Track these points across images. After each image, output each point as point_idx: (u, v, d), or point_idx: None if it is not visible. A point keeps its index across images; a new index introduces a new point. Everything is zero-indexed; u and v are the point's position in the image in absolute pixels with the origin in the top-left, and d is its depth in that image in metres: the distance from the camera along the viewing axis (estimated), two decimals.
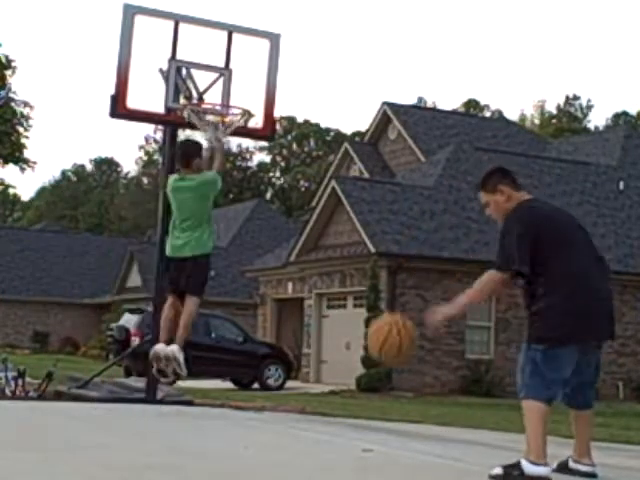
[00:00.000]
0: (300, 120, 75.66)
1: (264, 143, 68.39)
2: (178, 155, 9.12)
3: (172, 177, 9.04)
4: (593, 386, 5.80)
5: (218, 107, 9.70)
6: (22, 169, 30.95)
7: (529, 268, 5.53)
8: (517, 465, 5.32)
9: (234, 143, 72.45)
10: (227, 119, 9.60)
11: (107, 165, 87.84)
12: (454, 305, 5.69)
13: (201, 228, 8.66)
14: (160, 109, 9.92)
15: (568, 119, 72.92)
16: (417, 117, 36.51)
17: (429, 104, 70.75)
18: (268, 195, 75.35)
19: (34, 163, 31.13)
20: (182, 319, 8.57)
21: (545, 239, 5.59)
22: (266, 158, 77.55)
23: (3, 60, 30.32)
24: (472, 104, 73.02)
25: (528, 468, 5.28)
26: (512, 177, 5.93)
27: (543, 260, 5.54)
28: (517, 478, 5.26)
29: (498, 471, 5.36)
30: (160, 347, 8.54)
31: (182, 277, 8.68)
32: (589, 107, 74.88)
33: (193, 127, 9.90)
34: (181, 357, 8.44)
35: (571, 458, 5.79)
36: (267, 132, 10.48)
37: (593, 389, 5.81)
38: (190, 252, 8.59)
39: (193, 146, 9.01)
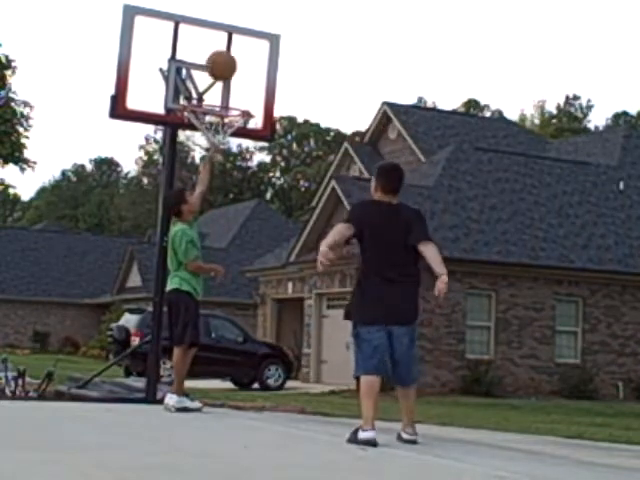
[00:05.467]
0: (300, 120, 75.65)
1: (264, 143, 68.36)
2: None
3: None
4: (409, 364, 7.03)
5: (218, 108, 9.71)
6: (22, 169, 30.89)
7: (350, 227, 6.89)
8: (356, 431, 6.81)
9: (234, 143, 72.50)
10: (227, 120, 9.63)
11: (107, 165, 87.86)
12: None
13: (179, 272, 9.03)
14: (160, 110, 9.92)
15: (568, 119, 72.91)
16: (417, 117, 36.50)
17: (429, 104, 70.76)
18: (268, 195, 75.35)
19: (34, 163, 31.08)
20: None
21: (360, 234, 6.92)
22: (266, 158, 77.59)
23: (3, 60, 30.28)
24: (472, 104, 73.01)
25: (360, 434, 6.76)
26: (392, 182, 7.08)
27: (360, 252, 6.97)
28: (352, 440, 6.74)
29: (347, 435, 6.88)
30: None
31: (172, 322, 9.08)
32: (589, 107, 74.90)
33: (193, 128, 9.92)
34: (172, 402, 8.84)
35: (402, 430, 7.10)
36: (267, 133, 10.48)
37: (410, 367, 7.05)
38: (173, 286, 9.05)
39: (169, 199, 9.47)
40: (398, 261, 6.99)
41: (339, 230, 6.93)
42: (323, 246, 6.87)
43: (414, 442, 6.97)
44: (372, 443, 6.63)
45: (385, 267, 6.94)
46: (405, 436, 7.04)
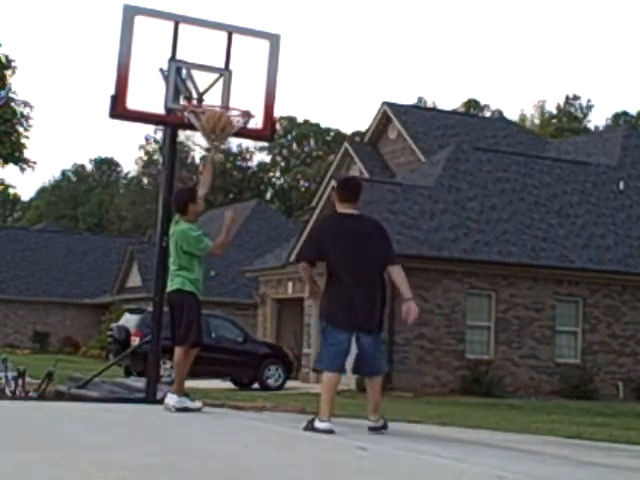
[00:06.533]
0: (300, 120, 75.64)
1: (264, 143, 68.33)
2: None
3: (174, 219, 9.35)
4: (375, 357, 7.67)
5: (218, 108, 9.70)
6: (22, 169, 30.92)
7: (311, 262, 7.85)
8: (313, 420, 7.56)
9: (234, 143, 72.51)
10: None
11: (107, 165, 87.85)
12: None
13: (182, 272, 8.94)
14: (160, 110, 9.91)
15: (568, 119, 72.90)
16: (417, 117, 36.50)
17: (429, 104, 70.78)
18: (268, 195, 75.34)
19: (34, 163, 31.11)
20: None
21: (326, 246, 7.68)
22: (266, 158, 77.59)
23: (3, 60, 30.31)
24: (472, 104, 73.01)
25: (317, 424, 7.49)
26: (346, 191, 7.82)
27: (327, 260, 7.73)
28: (308, 428, 7.48)
29: (304, 424, 7.59)
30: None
31: (175, 323, 9.01)
32: (589, 107, 74.89)
33: (193, 128, 9.91)
34: (172, 402, 8.79)
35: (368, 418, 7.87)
36: (267, 133, 10.46)
37: (376, 360, 7.69)
38: (176, 286, 8.95)
39: (179, 195, 9.35)
40: (362, 270, 7.62)
41: (305, 273, 7.97)
42: (309, 294, 7.97)
43: (376, 429, 7.72)
44: (330, 432, 7.37)
45: (349, 276, 7.63)
46: (369, 424, 7.83)
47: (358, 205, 7.85)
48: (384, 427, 7.86)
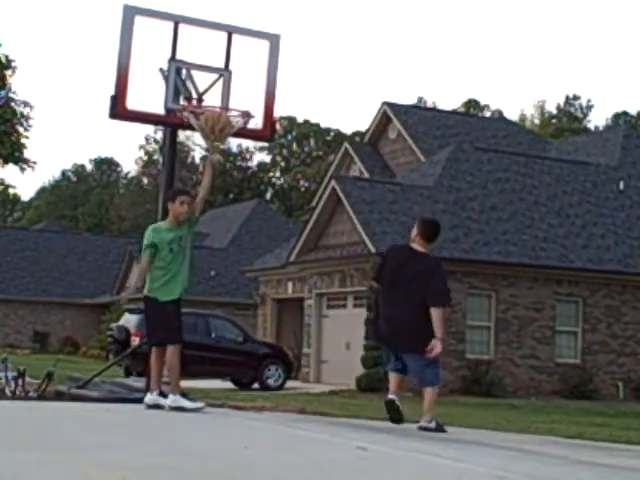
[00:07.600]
0: (300, 120, 75.63)
1: (264, 143, 68.29)
2: None
3: None
4: (417, 373, 8.50)
5: (218, 108, 9.70)
6: (22, 169, 30.90)
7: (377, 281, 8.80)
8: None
9: (234, 143, 72.51)
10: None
11: (107, 165, 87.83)
12: None
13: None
14: (160, 110, 9.91)
15: (568, 119, 72.89)
16: (417, 117, 36.49)
17: (429, 104, 70.77)
18: (268, 195, 75.34)
19: (34, 163, 31.08)
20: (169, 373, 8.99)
21: (381, 271, 8.70)
22: (266, 158, 77.59)
23: (3, 60, 30.30)
24: (472, 104, 72.99)
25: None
26: (420, 228, 8.73)
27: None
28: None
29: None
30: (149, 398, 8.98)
31: (157, 324, 9.02)
32: (589, 107, 74.89)
33: (193, 128, 9.91)
34: (168, 402, 8.76)
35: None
36: (267, 133, 10.47)
37: (419, 375, 8.48)
38: (160, 297, 8.93)
39: (168, 193, 9.44)
40: (398, 297, 8.44)
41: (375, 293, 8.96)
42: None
43: (425, 428, 8.34)
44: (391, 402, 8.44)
45: (386, 299, 8.56)
46: (420, 424, 8.50)
47: (429, 245, 8.69)
48: (437, 429, 8.40)
